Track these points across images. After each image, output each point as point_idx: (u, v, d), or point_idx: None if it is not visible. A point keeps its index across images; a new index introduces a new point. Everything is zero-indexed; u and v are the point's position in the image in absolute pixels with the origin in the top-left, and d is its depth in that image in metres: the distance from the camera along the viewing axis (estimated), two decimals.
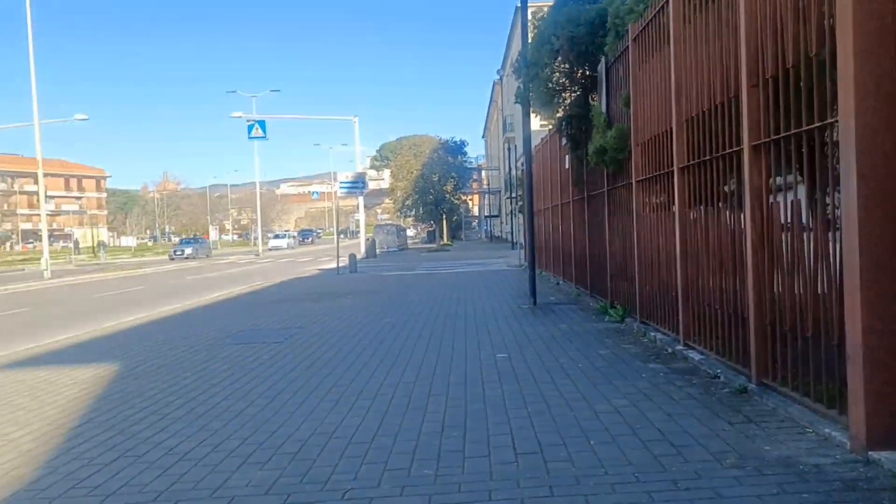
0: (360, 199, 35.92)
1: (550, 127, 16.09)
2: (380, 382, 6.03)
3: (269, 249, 58.79)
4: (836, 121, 3.79)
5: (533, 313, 10.19)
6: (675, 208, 6.53)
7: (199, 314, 12.51)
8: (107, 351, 8.75)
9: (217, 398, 5.80)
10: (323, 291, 16.00)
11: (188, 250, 49.40)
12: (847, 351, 3.67)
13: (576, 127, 11.11)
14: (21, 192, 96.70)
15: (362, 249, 36.32)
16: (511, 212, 40.53)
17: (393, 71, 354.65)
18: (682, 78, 6.31)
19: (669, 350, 6.65)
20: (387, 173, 69.89)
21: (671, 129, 6.63)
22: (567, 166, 13.19)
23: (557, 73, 10.21)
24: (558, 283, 14.58)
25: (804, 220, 4.38)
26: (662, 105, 6.94)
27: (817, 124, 4.01)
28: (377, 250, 40.22)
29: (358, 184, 23.14)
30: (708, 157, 5.77)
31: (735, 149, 5.19)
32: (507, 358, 6.86)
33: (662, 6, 6.75)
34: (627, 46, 8.16)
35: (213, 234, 74.19)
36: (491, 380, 5.92)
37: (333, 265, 23.52)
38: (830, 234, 4.05)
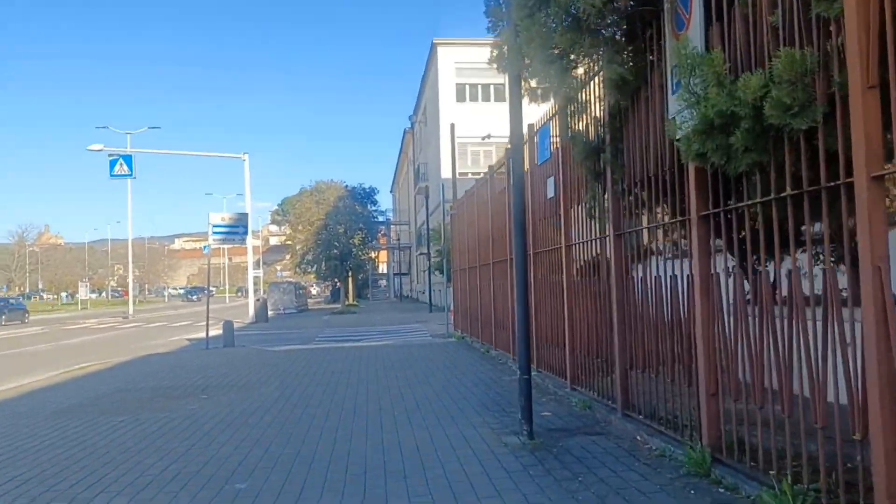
0: (249, 249, 30.01)
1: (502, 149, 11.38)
2: None
3: None
4: None
5: (546, 472, 5.00)
6: None
7: None
8: None
9: None
10: (163, 386, 10.24)
11: None
12: None
13: (605, 108, 6.33)
14: None
15: (251, 311, 30.19)
16: (428, 269, 35.60)
17: (294, 120, 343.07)
18: None
19: None
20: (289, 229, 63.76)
21: None
22: (552, 194, 8.38)
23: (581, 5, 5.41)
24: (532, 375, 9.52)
25: None
26: None
27: None
28: (270, 312, 34.09)
29: (237, 228, 17.52)
30: None
31: None
32: None
33: None
34: None
35: (83, 292, 64.81)
36: None
37: (211, 333, 17.66)
38: None
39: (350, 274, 46.42)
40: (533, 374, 9.47)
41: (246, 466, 5.38)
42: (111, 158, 29.99)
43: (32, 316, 50.31)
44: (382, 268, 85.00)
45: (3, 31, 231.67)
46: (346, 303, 44.60)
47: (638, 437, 5.64)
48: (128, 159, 30.11)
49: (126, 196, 39.83)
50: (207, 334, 17.40)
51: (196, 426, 7.06)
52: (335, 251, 41.75)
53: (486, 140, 29.28)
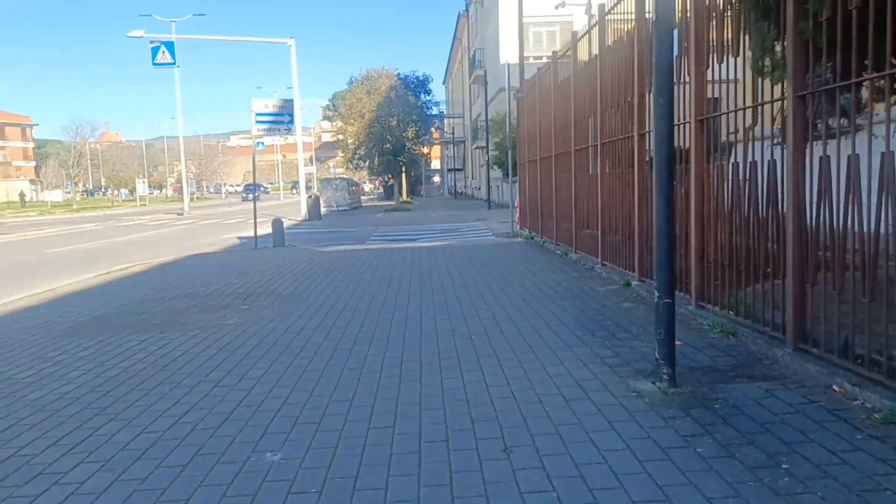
0: (299, 141, 28.54)
1: None
2: None
3: None
4: None
5: (725, 452, 3.38)
6: None
7: None
8: None
9: None
10: (201, 293, 8.96)
11: None
12: None
13: None
14: None
15: (303, 209, 29.05)
16: (487, 163, 33.58)
17: (343, 10, 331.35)
18: None
19: None
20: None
21: None
22: (675, 53, 6.34)
23: None
24: (634, 291, 7.83)
25: None
26: None
27: None
28: (323, 209, 32.98)
29: (283, 116, 15.84)
30: None
31: None
32: None
33: None
34: None
35: (141, 189, 65.11)
36: None
37: (261, 231, 16.46)
38: None
39: (403, 170, 44.74)
40: (634, 283, 7.81)
41: (283, 421, 3.93)
42: (153, 46, 28.32)
43: (92, 213, 50.64)
44: (435, 164, 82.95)
45: None
46: (400, 199, 43.20)
47: (836, 388, 3.93)
48: (170, 46, 28.39)
49: (180, 92, 38.29)
50: (256, 234, 16.16)
51: (228, 352, 5.67)
52: (388, 145, 39.88)
53: (560, 6, 26.34)
